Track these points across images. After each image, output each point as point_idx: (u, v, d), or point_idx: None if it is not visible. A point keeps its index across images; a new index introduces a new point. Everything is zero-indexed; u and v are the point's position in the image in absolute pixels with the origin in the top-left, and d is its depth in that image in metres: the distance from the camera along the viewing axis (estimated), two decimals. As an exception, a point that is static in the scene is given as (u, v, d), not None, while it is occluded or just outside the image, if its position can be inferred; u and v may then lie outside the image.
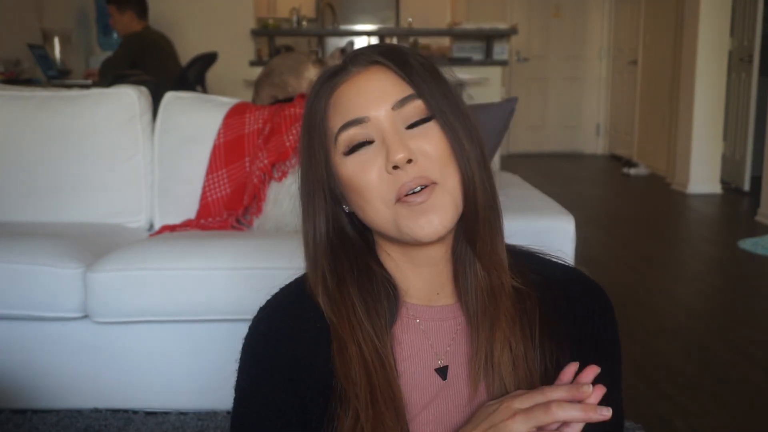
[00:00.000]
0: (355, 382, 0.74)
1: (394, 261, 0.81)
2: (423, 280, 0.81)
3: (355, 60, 0.78)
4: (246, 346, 0.89)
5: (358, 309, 0.77)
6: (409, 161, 0.72)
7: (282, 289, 0.89)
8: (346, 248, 0.80)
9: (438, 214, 0.73)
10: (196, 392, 1.83)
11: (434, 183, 0.73)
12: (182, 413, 1.83)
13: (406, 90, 0.75)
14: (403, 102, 0.74)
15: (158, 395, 1.84)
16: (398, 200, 0.73)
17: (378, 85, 0.75)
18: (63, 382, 1.83)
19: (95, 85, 4.11)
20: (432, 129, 0.74)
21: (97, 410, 1.84)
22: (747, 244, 3.86)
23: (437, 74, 0.79)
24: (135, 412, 1.84)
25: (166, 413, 1.84)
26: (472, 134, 0.77)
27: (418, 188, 0.72)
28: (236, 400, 0.84)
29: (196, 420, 1.80)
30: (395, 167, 0.72)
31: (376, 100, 0.74)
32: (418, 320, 0.80)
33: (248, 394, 0.83)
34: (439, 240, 0.76)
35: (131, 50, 4.11)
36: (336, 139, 0.75)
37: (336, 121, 0.76)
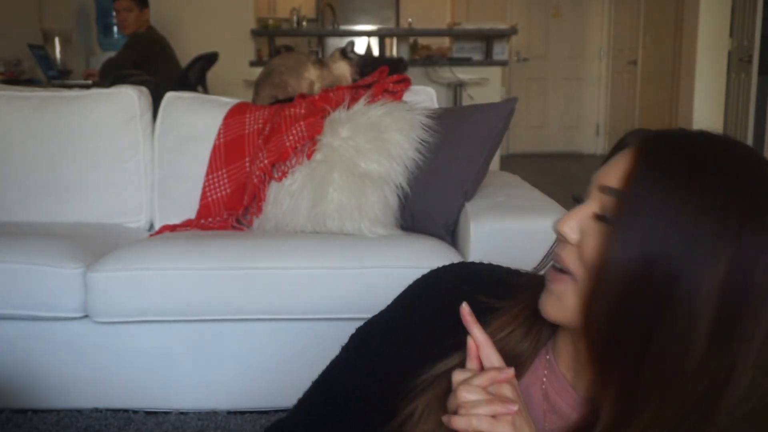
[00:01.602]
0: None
1: None
2: (566, 345, 0.76)
3: (646, 134, 0.70)
4: (418, 285, 0.89)
5: (520, 328, 0.76)
6: (565, 240, 0.69)
7: (493, 266, 0.88)
8: None
9: (554, 307, 0.70)
10: (196, 392, 1.83)
11: (572, 275, 0.68)
12: (182, 413, 1.83)
13: (619, 183, 0.66)
14: (605, 191, 0.68)
15: (158, 395, 1.84)
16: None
17: (615, 162, 0.69)
18: (63, 382, 1.83)
19: (96, 85, 4.11)
20: (604, 232, 0.66)
21: (97, 410, 1.84)
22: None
23: (686, 200, 0.62)
24: (135, 412, 1.84)
25: (166, 413, 1.84)
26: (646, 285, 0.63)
27: (561, 266, 0.69)
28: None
29: (196, 420, 1.80)
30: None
31: (601, 173, 0.70)
32: (544, 378, 0.77)
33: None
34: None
35: (136, 51, 4.11)
36: None
37: None
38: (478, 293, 0.80)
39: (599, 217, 0.67)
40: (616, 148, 0.72)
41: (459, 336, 0.74)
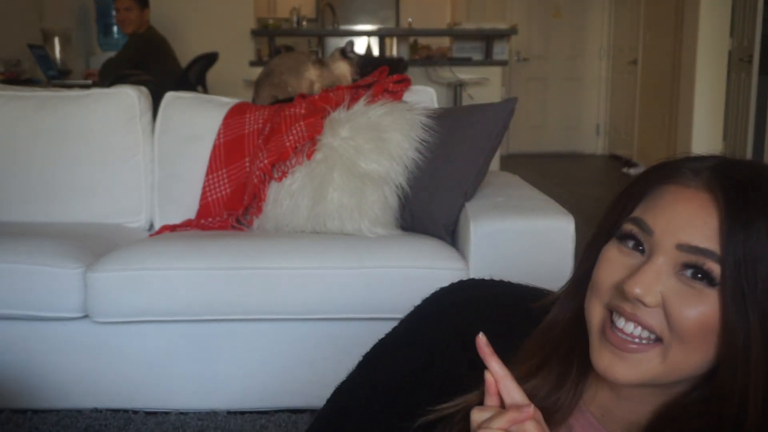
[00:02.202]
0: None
1: None
2: (599, 385, 0.72)
3: (702, 172, 0.65)
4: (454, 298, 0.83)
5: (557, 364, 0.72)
6: (643, 303, 0.63)
7: (520, 287, 0.84)
8: None
9: (631, 371, 0.65)
10: (196, 392, 1.83)
11: (660, 340, 0.64)
12: (182, 413, 1.83)
13: (709, 241, 0.62)
14: (692, 251, 0.62)
15: (158, 395, 1.84)
16: (608, 311, 0.66)
17: (690, 214, 0.63)
18: (63, 382, 1.83)
19: (95, 85, 4.11)
20: (708, 297, 0.62)
21: (97, 410, 1.84)
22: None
23: None
24: (135, 412, 1.84)
25: (166, 413, 1.84)
26: None
27: (632, 329, 0.64)
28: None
29: (196, 420, 1.80)
30: (624, 295, 0.64)
31: (675, 226, 0.63)
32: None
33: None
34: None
35: (136, 51, 4.11)
36: (624, 221, 0.68)
37: (637, 210, 0.68)
38: (495, 315, 0.78)
39: (701, 279, 0.62)
40: (667, 181, 0.68)
41: (475, 365, 0.71)
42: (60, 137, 2.20)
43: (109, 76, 3.89)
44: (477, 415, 0.64)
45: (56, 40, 4.77)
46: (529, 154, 7.80)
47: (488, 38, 5.41)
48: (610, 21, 7.84)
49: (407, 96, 2.19)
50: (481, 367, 0.69)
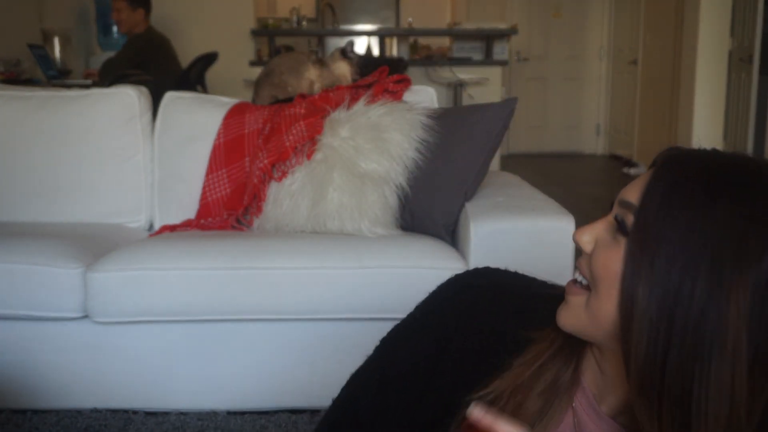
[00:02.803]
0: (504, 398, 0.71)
1: None
2: (589, 362, 0.74)
3: (663, 153, 0.70)
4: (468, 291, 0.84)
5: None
6: (582, 250, 0.69)
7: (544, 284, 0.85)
8: None
9: (566, 317, 0.70)
10: (196, 392, 1.83)
11: (590, 289, 0.68)
12: (182, 413, 1.83)
13: (634, 196, 0.66)
14: (623, 204, 0.67)
15: (158, 395, 1.84)
16: None
17: (639, 179, 0.68)
18: (63, 382, 1.83)
19: (95, 85, 4.11)
20: (619, 245, 0.65)
21: (97, 410, 1.84)
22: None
23: (698, 214, 0.61)
24: (135, 412, 1.84)
25: (166, 413, 1.84)
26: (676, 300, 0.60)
27: (575, 275, 0.70)
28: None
29: (196, 420, 1.80)
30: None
31: (626, 188, 0.69)
32: (573, 408, 0.74)
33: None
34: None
35: (136, 52, 4.10)
36: None
37: None
38: (510, 300, 0.80)
39: (618, 227, 0.66)
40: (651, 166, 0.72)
41: (496, 348, 0.74)
42: (60, 137, 2.20)
43: (108, 76, 3.89)
44: None
45: (56, 40, 4.78)
46: (529, 154, 7.80)
47: (488, 38, 5.41)
48: (610, 21, 7.83)
49: (407, 96, 2.18)
50: (495, 352, 0.72)
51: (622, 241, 0.65)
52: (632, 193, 0.66)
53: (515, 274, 0.87)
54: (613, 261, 0.64)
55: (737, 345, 0.58)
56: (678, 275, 0.60)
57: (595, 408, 0.73)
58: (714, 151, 0.66)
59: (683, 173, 0.63)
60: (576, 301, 0.69)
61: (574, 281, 0.70)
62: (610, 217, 0.68)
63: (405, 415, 0.80)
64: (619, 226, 0.66)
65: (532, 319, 0.77)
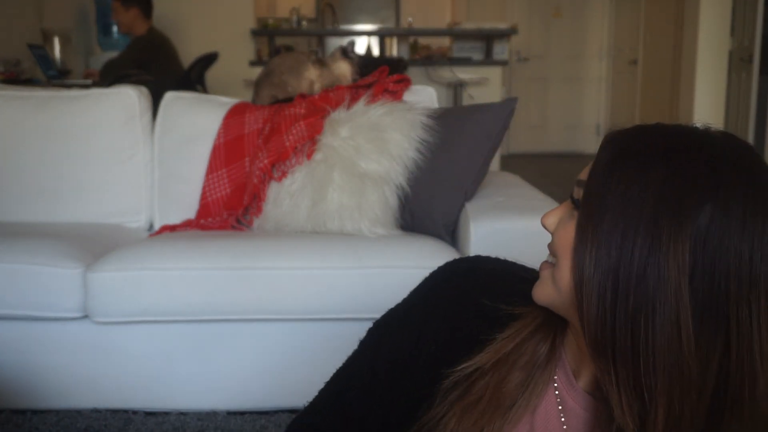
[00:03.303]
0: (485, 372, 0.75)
1: None
2: (569, 339, 0.77)
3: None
4: (436, 281, 0.89)
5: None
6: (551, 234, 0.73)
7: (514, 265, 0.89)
8: None
9: (538, 291, 0.74)
10: (196, 392, 1.83)
11: (553, 264, 0.72)
12: (182, 413, 1.83)
13: (586, 173, 0.70)
14: (577, 184, 0.71)
15: (158, 395, 1.83)
16: None
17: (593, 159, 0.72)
18: (63, 382, 1.83)
19: (95, 85, 4.11)
20: (573, 219, 0.70)
21: (97, 410, 1.84)
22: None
23: (638, 188, 0.64)
24: (135, 412, 1.84)
25: (166, 413, 1.84)
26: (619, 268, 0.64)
27: (549, 259, 0.74)
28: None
29: (196, 420, 1.80)
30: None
31: (584, 169, 0.72)
32: (555, 383, 0.77)
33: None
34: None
35: (138, 53, 4.10)
36: None
37: None
38: (500, 284, 0.83)
39: (572, 203, 0.71)
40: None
41: (480, 329, 0.77)
42: (60, 137, 2.20)
43: (109, 77, 3.89)
44: None
45: (56, 40, 4.78)
46: (529, 154, 7.80)
47: (488, 38, 5.41)
48: (610, 21, 7.84)
49: (407, 96, 2.18)
50: (478, 331, 0.76)
51: (574, 215, 0.70)
52: (584, 172, 0.70)
53: (503, 261, 0.90)
54: (568, 233, 0.69)
55: (679, 297, 0.61)
56: (620, 238, 0.63)
57: (573, 383, 0.76)
58: (656, 124, 0.69)
59: (624, 145, 0.67)
60: (545, 275, 0.73)
61: (546, 261, 0.74)
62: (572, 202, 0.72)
63: (391, 401, 0.83)
64: (574, 203, 0.70)
65: (517, 300, 0.80)
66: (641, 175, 0.64)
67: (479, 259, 0.89)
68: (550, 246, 0.73)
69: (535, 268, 0.83)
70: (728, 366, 0.62)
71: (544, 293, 0.73)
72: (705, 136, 0.66)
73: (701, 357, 0.62)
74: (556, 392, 0.76)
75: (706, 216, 0.61)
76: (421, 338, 0.82)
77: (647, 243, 0.62)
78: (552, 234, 0.73)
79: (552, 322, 0.77)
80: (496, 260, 0.90)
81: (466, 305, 0.82)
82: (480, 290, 0.82)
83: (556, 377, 0.77)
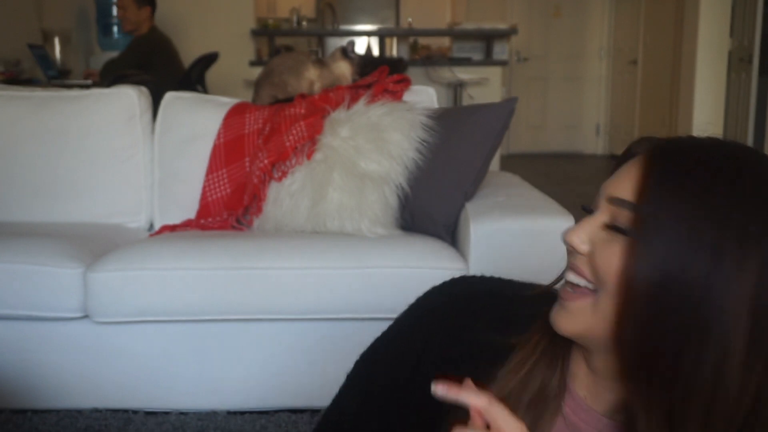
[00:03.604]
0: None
1: None
2: (578, 365, 0.73)
3: (642, 144, 0.70)
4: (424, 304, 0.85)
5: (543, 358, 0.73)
6: (578, 252, 0.67)
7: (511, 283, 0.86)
8: None
9: (569, 321, 0.68)
10: (196, 392, 1.83)
11: (596, 291, 0.66)
12: (182, 413, 1.83)
13: (628, 193, 0.65)
14: (615, 202, 0.65)
15: (158, 395, 1.84)
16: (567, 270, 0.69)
17: (624, 171, 0.67)
18: (63, 382, 1.83)
19: (96, 85, 4.11)
20: (620, 243, 0.64)
21: (97, 410, 1.84)
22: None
23: (706, 204, 0.61)
24: (135, 412, 1.84)
25: (166, 413, 1.84)
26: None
27: (572, 278, 0.67)
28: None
29: (196, 420, 1.80)
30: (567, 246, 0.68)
31: (611, 183, 0.68)
32: (564, 411, 0.74)
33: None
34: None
35: (139, 53, 4.09)
36: None
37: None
38: (486, 309, 0.79)
39: (614, 228, 0.65)
40: (624, 157, 0.71)
41: (471, 360, 0.74)
42: (60, 137, 2.20)
43: (109, 77, 3.88)
44: None
45: (56, 40, 4.78)
46: (529, 154, 7.80)
47: (488, 38, 5.41)
48: (610, 21, 7.84)
49: (407, 96, 2.18)
50: (473, 360, 0.72)
51: (620, 238, 0.64)
52: (621, 189, 0.66)
53: (492, 280, 0.86)
54: (616, 258, 0.64)
55: (737, 326, 0.59)
56: (678, 261, 0.60)
57: (586, 409, 0.73)
58: (709, 139, 0.67)
59: (678, 161, 0.63)
60: (579, 305, 0.67)
61: (572, 285, 0.68)
62: (602, 215, 0.67)
63: (388, 428, 0.80)
64: (614, 224, 0.65)
65: (511, 324, 0.77)
66: (704, 198, 0.60)
67: (467, 281, 0.86)
68: (583, 269, 0.67)
69: (533, 269, 0.82)
70: (765, 392, 0.61)
71: (578, 325, 0.67)
72: (765, 158, 0.64)
73: (742, 384, 0.60)
74: (566, 423, 0.73)
75: None
76: (418, 362, 0.79)
77: (708, 268, 0.59)
78: (582, 254, 0.67)
79: (556, 349, 0.73)
80: (482, 279, 0.86)
81: (459, 331, 0.78)
82: (471, 315, 0.79)
83: (564, 410, 0.73)
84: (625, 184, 0.65)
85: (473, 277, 0.87)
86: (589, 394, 0.73)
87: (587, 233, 0.67)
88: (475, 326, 0.78)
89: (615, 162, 0.73)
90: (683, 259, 0.60)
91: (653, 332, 0.61)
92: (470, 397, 0.63)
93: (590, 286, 0.66)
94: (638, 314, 0.62)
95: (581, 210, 0.71)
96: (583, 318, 0.67)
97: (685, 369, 0.60)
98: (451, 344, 0.78)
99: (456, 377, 0.64)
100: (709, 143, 0.65)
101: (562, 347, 0.73)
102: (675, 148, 0.65)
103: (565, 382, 0.74)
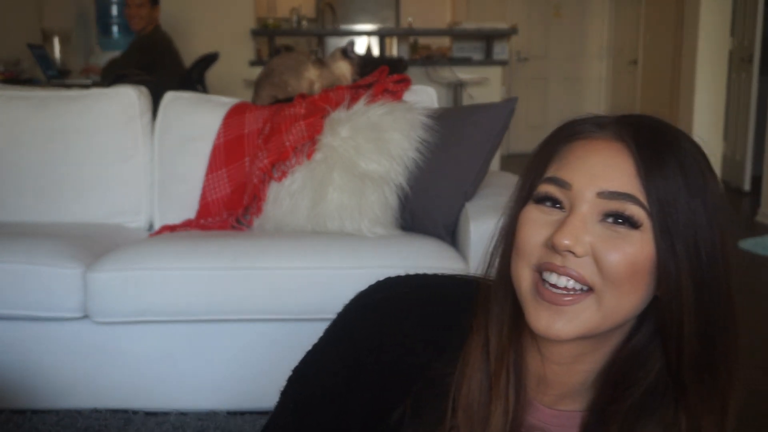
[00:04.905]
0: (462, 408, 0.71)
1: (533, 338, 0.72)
2: (553, 376, 0.72)
3: (608, 125, 0.68)
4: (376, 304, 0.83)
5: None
6: (573, 254, 0.64)
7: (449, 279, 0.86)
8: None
9: (570, 326, 0.65)
10: (196, 392, 1.83)
11: (591, 290, 0.65)
12: (182, 413, 1.83)
13: (628, 186, 0.64)
14: (613, 197, 0.64)
15: (158, 395, 1.83)
16: (538, 271, 0.66)
17: (605, 163, 0.66)
18: (63, 382, 1.83)
19: (96, 85, 4.10)
20: (632, 239, 0.64)
21: (96, 410, 1.84)
22: (747, 244, 3.85)
23: (696, 186, 0.65)
24: (135, 412, 1.84)
25: (166, 413, 1.84)
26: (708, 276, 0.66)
27: (564, 282, 0.65)
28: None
29: (196, 420, 1.80)
30: (554, 250, 0.65)
31: (592, 176, 0.66)
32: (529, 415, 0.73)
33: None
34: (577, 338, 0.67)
35: (142, 54, 4.08)
36: (540, 184, 0.69)
37: (550, 170, 0.69)
38: (412, 312, 0.78)
39: (624, 222, 0.64)
40: (558, 143, 0.71)
41: (406, 364, 0.74)
42: (60, 137, 2.20)
43: (110, 76, 3.88)
44: None
45: (56, 40, 4.78)
46: (529, 154, 7.79)
47: (488, 38, 5.41)
48: (610, 21, 7.83)
49: (407, 96, 2.18)
50: (408, 365, 0.72)
51: (635, 235, 0.64)
52: (615, 183, 0.65)
53: (416, 278, 0.86)
54: (634, 257, 0.64)
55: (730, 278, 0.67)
56: (692, 232, 0.64)
57: (538, 407, 0.73)
58: (651, 118, 0.70)
59: (658, 149, 0.66)
60: (578, 308, 0.65)
61: (567, 289, 0.65)
62: (590, 212, 0.65)
63: None
64: (624, 222, 0.64)
65: (441, 322, 0.76)
66: (682, 172, 0.65)
67: (392, 282, 0.85)
68: (583, 272, 0.64)
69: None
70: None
71: (580, 327, 0.65)
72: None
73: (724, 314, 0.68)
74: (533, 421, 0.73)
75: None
76: (353, 372, 0.78)
77: (712, 227, 0.65)
78: (578, 257, 0.64)
79: (509, 352, 0.72)
80: (407, 279, 0.85)
81: (391, 336, 0.76)
82: (401, 318, 0.77)
83: (530, 412, 0.73)
84: (615, 177, 0.65)
85: (397, 278, 0.86)
86: (538, 383, 0.73)
87: (586, 234, 0.65)
88: (406, 329, 0.77)
89: (549, 146, 0.72)
90: (695, 229, 0.64)
91: (704, 302, 0.65)
92: None
93: (585, 287, 0.65)
94: (686, 293, 0.64)
95: (539, 200, 0.69)
96: (587, 317, 0.65)
97: (721, 322, 0.67)
98: (382, 350, 0.76)
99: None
100: (657, 121, 0.69)
101: (516, 348, 0.72)
102: (652, 129, 0.68)
103: (524, 395, 0.73)
